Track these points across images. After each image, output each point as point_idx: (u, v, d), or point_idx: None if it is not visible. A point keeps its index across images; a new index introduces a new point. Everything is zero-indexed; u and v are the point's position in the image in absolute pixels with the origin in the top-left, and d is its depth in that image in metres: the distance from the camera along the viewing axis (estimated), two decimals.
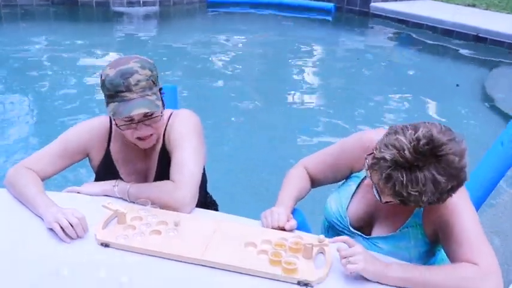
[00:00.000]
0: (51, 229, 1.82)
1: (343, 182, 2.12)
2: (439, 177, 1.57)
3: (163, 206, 1.97)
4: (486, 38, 8.40)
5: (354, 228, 1.97)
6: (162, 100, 2.09)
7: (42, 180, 2.11)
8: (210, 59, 7.50)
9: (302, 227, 1.97)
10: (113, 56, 7.14)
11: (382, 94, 6.32)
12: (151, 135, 2.07)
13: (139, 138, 2.07)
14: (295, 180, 2.13)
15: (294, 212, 2.02)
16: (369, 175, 1.74)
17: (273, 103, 5.87)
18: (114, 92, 1.95)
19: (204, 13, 10.61)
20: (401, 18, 9.78)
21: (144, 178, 2.24)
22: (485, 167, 2.41)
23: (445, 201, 1.67)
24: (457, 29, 8.81)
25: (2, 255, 1.75)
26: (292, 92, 6.34)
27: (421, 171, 1.58)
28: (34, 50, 7.44)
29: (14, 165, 2.14)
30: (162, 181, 2.07)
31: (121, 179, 2.19)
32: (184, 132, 2.13)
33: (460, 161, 1.59)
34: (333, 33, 9.56)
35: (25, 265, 1.70)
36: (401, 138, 1.59)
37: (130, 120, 2.00)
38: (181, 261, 1.70)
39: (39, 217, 1.89)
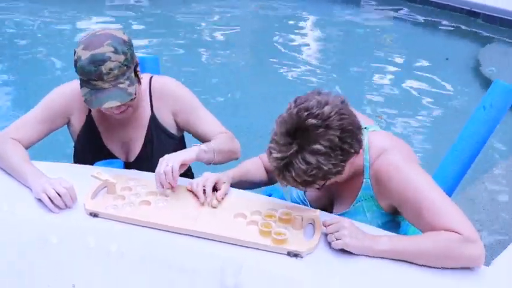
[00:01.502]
0: (39, 199, 1.80)
1: None
2: (322, 143, 1.56)
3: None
4: (479, 13, 8.35)
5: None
6: (137, 78, 2.05)
7: (27, 148, 2.07)
8: (199, 32, 7.43)
9: None
10: (102, 24, 7.03)
11: (373, 67, 6.31)
12: (126, 109, 2.04)
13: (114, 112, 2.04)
14: (245, 163, 2.10)
15: (273, 191, 2.05)
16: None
17: (265, 75, 5.84)
18: (86, 78, 1.92)
19: None
20: None
21: (127, 146, 2.22)
22: (469, 132, 2.39)
23: (357, 152, 1.65)
24: (450, 3, 8.75)
25: None
26: (284, 63, 6.31)
27: (304, 152, 1.57)
28: (22, 19, 7.33)
29: None
30: (219, 135, 2.14)
31: (104, 145, 2.17)
32: (189, 98, 2.21)
33: (320, 117, 1.56)
34: (324, 6, 9.45)
35: (13, 234, 1.70)
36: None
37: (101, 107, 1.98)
38: (170, 232, 1.70)
39: (27, 187, 1.87)
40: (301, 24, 8.27)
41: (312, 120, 1.56)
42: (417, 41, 7.60)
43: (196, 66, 6.05)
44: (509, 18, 7.78)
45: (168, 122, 2.22)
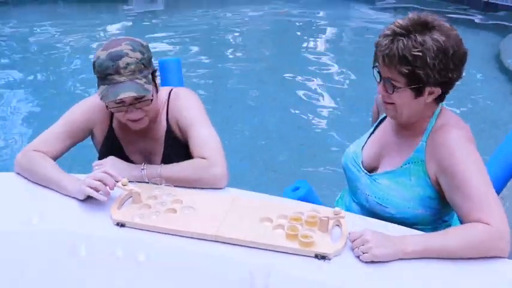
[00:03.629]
0: (81, 199, 1.87)
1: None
2: (437, 36, 1.70)
3: (199, 183, 1.98)
4: (496, 4, 8.25)
5: (366, 167, 2.02)
6: (155, 83, 2.08)
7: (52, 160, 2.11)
8: (217, 33, 7.45)
9: (309, 197, 2.02)
10: (117, 35, 7.10)
11: None
12: (142, 118, 2.05)
13: (130, 120, 2.06)
14: None
15: (300, 184, 2.06)
16: (376, 70, 1.83)
17: (284, 80, 5.83)
18: (104, 74, 1.94)
19: None
20: None
21: (148, 159, 2.23)
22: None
23: (456, 77, 1.78)
24: None
25: (20, 235, 1.77)
26: (302, 68, 6.29)
27: (420, 35, 1.70)
28: (42, 32, 7.43)
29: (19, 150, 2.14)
30: (191, 160, 2.05)
31: (126, 157, 2.20)
32: (195, 110, 2.16)
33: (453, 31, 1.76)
34: (339, 4, 9.43)
35: (43, 247, 1.71)
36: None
37: (121, 103, 1.99)
38: (197, 239, 1.70)
39: (66, 195, 1.92)
40: (318, 27, 8.25)
41: (445, 25, 1.76)
42: None
43: (213, 72, 6.06)
44: None
45: (179, 134, 2.21)
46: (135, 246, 1.70)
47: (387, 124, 2.04)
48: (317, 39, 7.52)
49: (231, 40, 7.32)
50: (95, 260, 1.66)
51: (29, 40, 7.08)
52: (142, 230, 1.75)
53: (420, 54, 1.69)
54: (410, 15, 1.77)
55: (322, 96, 5.40)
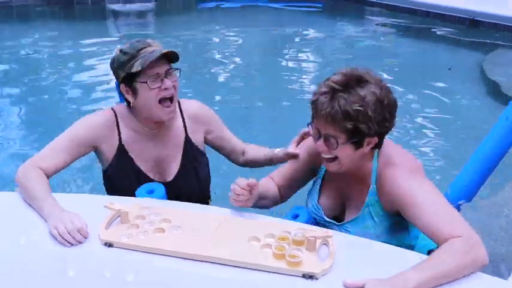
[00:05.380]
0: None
1: (313, 181, 2.20)
2: (372, 89, 1.76)
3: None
4: (482, 22, 8.35)
5: (329, 217, 2.06)
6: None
7: (52, 175, 2.14)
8: (207, 54, 7.48)
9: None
10: (110, 54, 7.11)
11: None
12: (172, 98, 2.16)
13: (163, 102, 2.14)
14: (262, 181, 2.16)
15: (300, 211, 2.09)
16: (314, 127, 1.86)
17: (273, 97, 5.85)
18: (136, 51, 2.09)
19: (200, 7, 10.57)
20: (394, 4, 9.66)
21: (162, 167, 2.30)
22: (492, 140, 2.55)
23: (391, 126, 1.84)
24: (451, 13, 8.75)
25: (9, 255, 1.76)
26: (291, 86, 6.33)
27: (358, 89, 1.75)
28: (31, 50, 7.42)
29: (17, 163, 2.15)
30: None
31: (138, 169, 2.25)
32: (218, 118, 2.48)
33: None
34: (325, 22, 9.51)
35: (30, 268, 1.71)
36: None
37: (157, 74, 2.10)
38: (185, 259, 1.71)
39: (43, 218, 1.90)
40: (307, 41, 8.32)
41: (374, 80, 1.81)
42: (420, 52, 7.64)
43: (203, 87, 6.07)
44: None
45: (199, 141, 2.39)
46: (123, 266, 1.70)
47: (333, 174, 2.03)
48: (306, 57, 7.57)
49: (220, 59, 7.35)
50: (83, 280, 1.65)
51: (21, 58, 7.08)
52: (130, 250, 1.75)
53: (361, 108, 1.74)
54: (343, 70, 1.82)
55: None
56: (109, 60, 2.21)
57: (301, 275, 1.61)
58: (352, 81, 1.77)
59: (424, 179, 1.83)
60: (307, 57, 7.53)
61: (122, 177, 2.28)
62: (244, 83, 6.37)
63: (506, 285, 1.63)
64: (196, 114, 2.37)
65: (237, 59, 7.32)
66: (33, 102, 5.68)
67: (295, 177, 2.20)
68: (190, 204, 2.04)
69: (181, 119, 2.33)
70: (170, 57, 2.14)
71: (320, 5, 10.46)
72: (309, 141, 2.07)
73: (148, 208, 1.94)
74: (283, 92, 6.04)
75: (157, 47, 2.12)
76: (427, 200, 1.74)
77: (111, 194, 2.37)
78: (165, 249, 1.73)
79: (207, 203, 2.54)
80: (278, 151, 2.23)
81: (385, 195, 1.87)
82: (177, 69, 2.18)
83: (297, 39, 8.30)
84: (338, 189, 2.06)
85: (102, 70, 6.21)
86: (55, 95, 5.84)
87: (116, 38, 8.22)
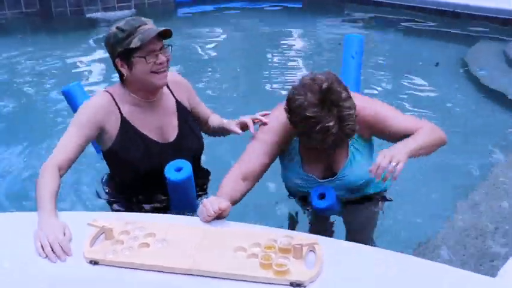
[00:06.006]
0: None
1: (283, 162, 2.39)
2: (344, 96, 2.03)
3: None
4: (462, 13, 8.39)
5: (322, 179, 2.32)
6: None
7: (68, 167, 2.24)
8: (190, 58, 7.45)
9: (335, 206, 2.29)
10: (92, 63, 7.05)
11: (365, 78, 6.32)
12: (167, 62, 2.32)
13: (156, 73, 2.28)
14: (227, 183, 2.18)
15: (327, 191, 2.25)
16: (310, 139, 2.07)
17: (257, 100, 5.84)
18: (134, 28, 2.24)
19: (179, 13, 10.53)
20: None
21: (163, 130, 2.44)
22: (346, 77, 2.85)
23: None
24: (433, 7, 8.78)
25: None
26: (273, 86, 6.31)
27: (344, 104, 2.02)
28: (10, 62, 7.35)
29: None
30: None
31: (143, 135, 2.37)
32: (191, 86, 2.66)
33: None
34: (306, 20, 9.49)
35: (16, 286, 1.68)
36: (299, 95, 2.03)
37: (153, 50, 2.25)
38: (171, 273, 1.69)
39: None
40: (288, 40, 8.31)
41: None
42: (402, 47, 7.65)
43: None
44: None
45: (186, 103, 2.57)
46: (109, 284, 1.68)
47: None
48: (288, 54, 7.55)
49: (202, 63, 7.33)
50: None
51: None
52: (115, 266, 1.73)
53: (351, 111, 2.04)
54: (318, 88, 2.01)
55: None
56: (90, 68, 2.31)
57: (288, 284, 1.60)
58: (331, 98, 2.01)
59: (382, 103, 2.33)
60: (290, 56, 7.51)
61: (128, 147, 2.37)
62: (227, 84, 6.34)
63: (494, 283, 1.63)
64: (176, 80, 2.55)
65: (219, 63, 7.29)
66: (14, 113, 5.63)
67: (266, 168, 2.29)
68: (174, 216, 2.04)
69: (167, 87, 2.49)
70: (164, 35, 2.29)
71: (300, 5, 10.46)
72: (275, 124, 2.27)
73: (132, 223, 1.92)
74: (266, 93, 6.03)
75: (152, 26, 2.28)
76: (393, 115, 2.26)
77: (116, 172, 2.52)
78: (151, 264, 1.71)
79: (207, 173, 2.71)
80: (226, 124, 2.55)
81: (362, 125, 2.16)
82: (169, 45, 2.35)
83: (278, 39, 8.28)
84: (319, 152, 2.24)
85: (85, 78, 6.16)
86: (37, 104, 5.78)
87: (96, 46, 8.17)
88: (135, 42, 2.22)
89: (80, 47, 8.03)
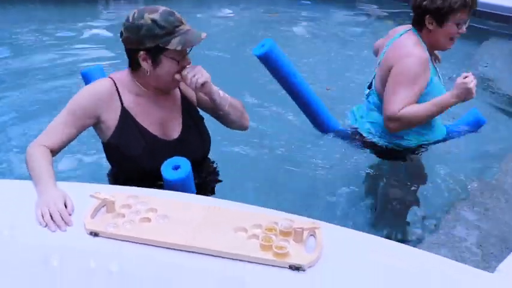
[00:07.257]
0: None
1: None
2: None
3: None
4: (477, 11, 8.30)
5: None
6: None
7: (59, 150, 2.19)
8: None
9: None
10: (102, 38, 7.01)
11: (370, 71, 6.28)
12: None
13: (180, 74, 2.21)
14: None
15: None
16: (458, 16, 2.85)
17: (261, 85, 5.82)
18: (172, 27, 2.12)
19: None
20: None
21: (167, 125, 2.34)
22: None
23: None
24: None
25: None
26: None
27: None
28: (20, 37, 7.32)
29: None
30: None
31: (144, 129, 2.27)
32: None
33: None
34: (320, 9, 9.43)
35: (14, 258, 1.69)
36: None
37: (185, 54, 2.21)
38: (171, 249, 1.69)
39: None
40: (298, 33, 8.25)
41: None
42: None
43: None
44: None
45: (193, 100, 2.46)
46: (108, 256, 1.68)
47: None
48: (297, 45, 7.51)
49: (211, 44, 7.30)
50: (68, 270, 1.64)
51: (10, 46, 6.97)
52: (116, 239, 1.73)
53: None
54: None
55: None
56: (98, 44, 2.23)
57: (287, 267, 1.60)
58: None
59: (410, 69, 2.82)
60: (298, 44, 7.47)
61: (128, 141, 2.27)
62: (236, 68, 6.31)
63: (492, 278, 1.63)
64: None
65: (225, 48, 7.25)
66: (22, 87, 5.61)
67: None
68: (178, 193, 2.02)
69: None
70: None
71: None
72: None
73: (134, 197, 1.92)
74: (272, 80, 6.02)
75: (189, 27, 2.19)
76: (395, 87, 2.82)
77: (116, 166, 2.43)
78: (151, 239, 1.71)
79: (212, 166, 2.65)
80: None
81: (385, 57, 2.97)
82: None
83: (288, 26, 8.23)
84: None
85: (93, 54, 6.13)
86: (45, 78, 5.76)
87: (108, 21, 8.13)
88: (175, 44, 2.11)
89: (90, 22, 7.98)
